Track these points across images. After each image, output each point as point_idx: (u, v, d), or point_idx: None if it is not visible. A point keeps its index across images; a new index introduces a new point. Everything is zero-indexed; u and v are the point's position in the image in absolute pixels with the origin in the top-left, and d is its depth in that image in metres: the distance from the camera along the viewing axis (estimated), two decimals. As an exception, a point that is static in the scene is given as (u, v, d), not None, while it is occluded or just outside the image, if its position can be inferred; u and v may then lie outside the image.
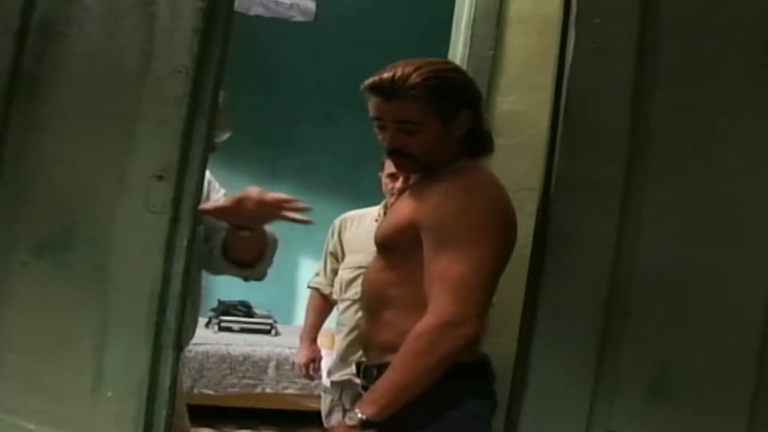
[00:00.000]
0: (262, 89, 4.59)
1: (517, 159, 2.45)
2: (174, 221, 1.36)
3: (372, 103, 1.60)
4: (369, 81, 1.59)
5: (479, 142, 1.66)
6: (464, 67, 2.60)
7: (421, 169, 1.62)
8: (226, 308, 4.40)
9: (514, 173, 2.47)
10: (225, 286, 4.68)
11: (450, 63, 1.69)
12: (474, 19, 2.45)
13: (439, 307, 1.41)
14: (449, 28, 2.61)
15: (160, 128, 1.37)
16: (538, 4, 2.47)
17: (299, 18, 3.91)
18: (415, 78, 1.54)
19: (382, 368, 1.49)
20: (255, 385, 3.95)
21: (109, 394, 1.38)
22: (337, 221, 2.86)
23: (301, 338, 2.94)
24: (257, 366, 3.96)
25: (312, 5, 3.89)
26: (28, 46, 1.45)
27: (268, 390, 3.95)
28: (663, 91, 1.48)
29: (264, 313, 4.44)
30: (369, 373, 1.56)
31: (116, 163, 1.41)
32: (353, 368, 1.96)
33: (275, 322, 4.34)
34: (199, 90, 1.36)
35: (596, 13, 1.50)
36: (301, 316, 4.02)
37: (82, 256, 1.41)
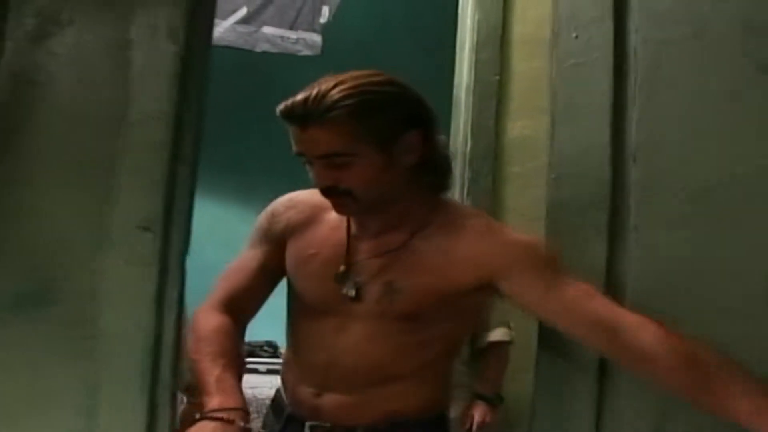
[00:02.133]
0: (275, 124, 4.62)
1: (531, 186, 2.40)
2: (163, 273, 1.34)
3: (291, 135, 1.34)
4: (281, 105, 1.33)
5: (436, 172, 1.40)
6: (470, 93, 2.57)
7: (366, 208, 1.37)
8: (251, 350, 4.37)
9: (527, 201, 2.41)
10: (249, 327, 4.66)
11: (384, 74, 1.37)
12: (477, 44, 2.44)
13: (637, 316, 1.21)
14: (454, 52, 2.60)
15: (141, 178, 1.36)
16: (540, 25, 2.44)
17: (306, 52, 3.95)
18: (334, 95, 1.26)
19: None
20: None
21: (103, 457, 1.35)
22: None
23: None
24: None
25: (318, 39, 3.94)
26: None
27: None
28: (641, 101, 1.40)
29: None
30: None
31: (97, 215, 1.39)
32: None
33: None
34: (179, 137, 1.35)
35: (572, 27, 1.46)
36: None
37: (65, 311, 1.39)
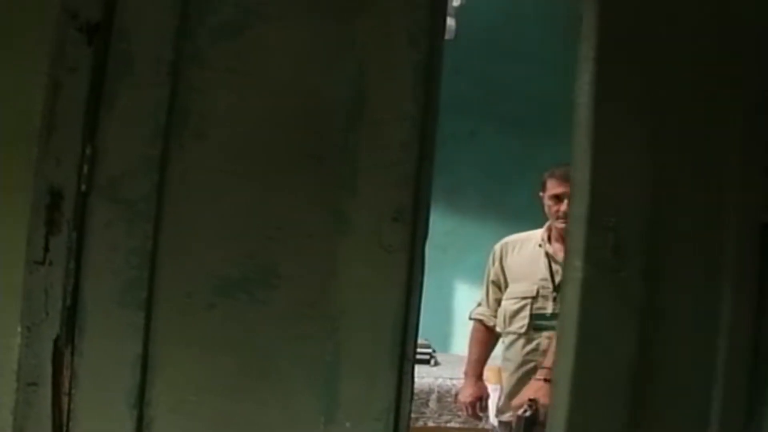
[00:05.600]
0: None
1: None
2: (411, 259, 1.55)
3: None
4: None
5: None
6: None
7: None
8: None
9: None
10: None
11: None
12: None
13: None
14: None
15: (392, 173, 1.56)
16: None
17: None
18: None
19: None
20: (416, 419, 3.96)
21: (348, 424, 1.57)
22: (497, 246, 2.91)
23: (466, 374, 2.92)
24: (418, 398, 3.93)
25: (452, 22, 4.02)
26: (184, 80, 1.63)
27: (430, 423, 4.01)
28: None
29: (422, 342, 4.29)
30: None
31: (334, 204, 1.59)
32: None
33: (434, 351, 4.40)
34: (425, 136, 1.55)
35: None
36: (458, 344, 4.06)
37: (290, 293, 1.59)
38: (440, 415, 4.04)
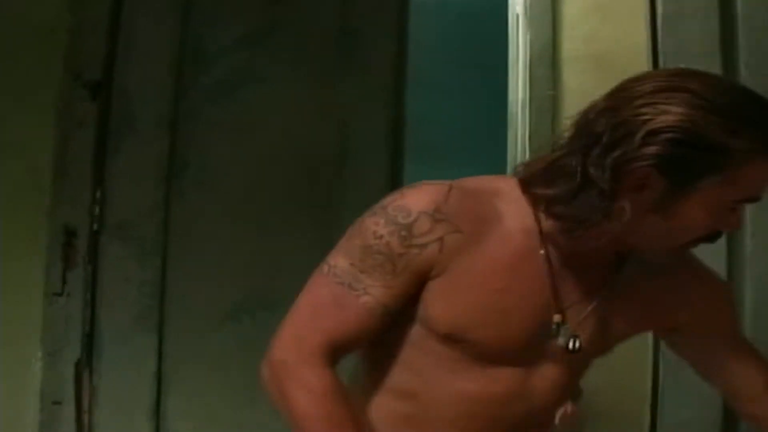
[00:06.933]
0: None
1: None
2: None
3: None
4: None
5: None
6: (526, 109, 2.99)
7: None
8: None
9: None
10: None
11: None
12: (530, 61, 2.93)
13: None
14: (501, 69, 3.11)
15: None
16: (588, 42, 2.91)
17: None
18: None
19: None
20: None
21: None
22: None
23: None
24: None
25: None
26: (182, 134, 1.89)
27: None
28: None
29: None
30: None
31: (322, 241, 1.89)
32: None
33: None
34: (396, 179, 1.89)
35: (678, 62, 1.61)
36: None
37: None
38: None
